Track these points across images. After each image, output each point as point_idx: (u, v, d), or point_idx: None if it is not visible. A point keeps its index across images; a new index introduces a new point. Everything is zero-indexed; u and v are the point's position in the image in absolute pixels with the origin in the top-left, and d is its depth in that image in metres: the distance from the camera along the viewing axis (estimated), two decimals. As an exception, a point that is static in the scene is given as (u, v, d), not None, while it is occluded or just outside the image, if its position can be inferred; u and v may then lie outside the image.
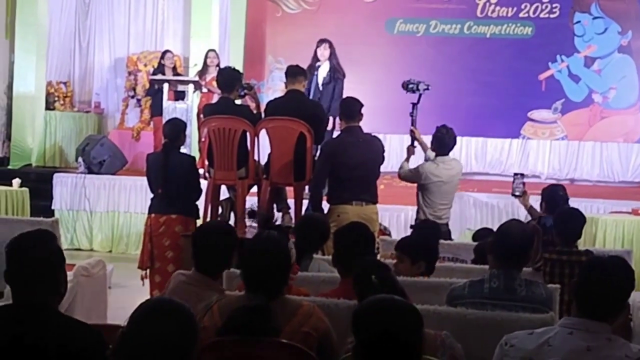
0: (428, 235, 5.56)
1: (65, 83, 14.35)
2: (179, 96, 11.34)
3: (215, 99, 10.04)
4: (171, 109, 10.98)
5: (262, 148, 7.62)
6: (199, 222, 7.53)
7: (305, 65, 9.27)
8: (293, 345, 3.38)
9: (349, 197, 7.02)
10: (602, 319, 3.04)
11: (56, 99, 14.04)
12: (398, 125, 8.43)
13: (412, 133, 8.04)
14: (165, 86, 11.28)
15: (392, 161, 8.76)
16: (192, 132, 10.27)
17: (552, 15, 13.03)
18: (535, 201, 7.04)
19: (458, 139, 8.06)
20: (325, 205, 7.21)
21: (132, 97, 14.12)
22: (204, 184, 7.63)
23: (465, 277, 4.78)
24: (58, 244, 3.26)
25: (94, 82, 14.67)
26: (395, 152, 11.44)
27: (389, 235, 7.98)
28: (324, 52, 10.27)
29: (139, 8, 14.54)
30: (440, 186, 7.64)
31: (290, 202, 7.78)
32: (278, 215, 7.82)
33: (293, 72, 7.60)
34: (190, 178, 7.35)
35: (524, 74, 12.99)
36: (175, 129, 7.48)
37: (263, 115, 7.70)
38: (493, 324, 3.92)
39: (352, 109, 7.21)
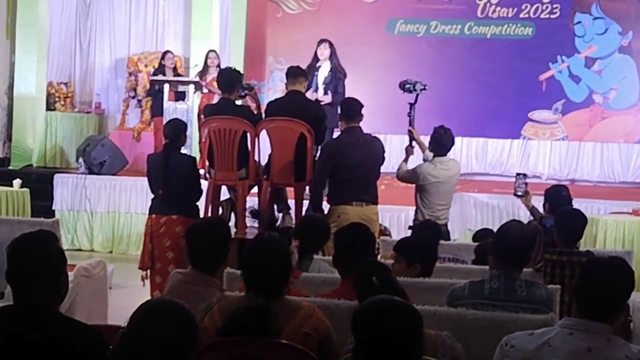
0: (427, 237, 5.54)
1: (65, 83, 14.35)
2: (180, 97, 11.33)
3: (215, 99, 10.04)
4: (172, 109, 10.98)
5: (263, 149, 7.63)
6: (200, 222, 7.54)
7: (305, 66, 9.30)
8: (293, 346, 3.39)
9: (349, 197, 7.03)
10: (602, 319, 3.04)
11: (57, 99, 14.04)
12: (398, 125, 8.43)
13: (410, 133, 8.05)
14: (166, 87, 11.28)
15: (392, 161, 8.75)
16: (193, 132, 10.27)
17: (552, 16, 13.03)
18: (536, 202, 7.02)
19: (458, 139, 8.09)
20: (326, 206, 7.21)
21: (133, 97, 14.13)
22: (204, 184, 7.63)
23: (465, 277, 4.78)
24: (59, 245, 3.26)
25: (94, 83, 14.67)
26: (395, 152, 11.43)
27: (389, 235, 7.98)
28: (324, 52, 10.27)
29: (139, 8, 14.55)
30: (438, 187, 7.64)
31: (291, 202, 7.78)
32: (278, 215, 7.82)
33: (294, 73, 7.61)
34: (191, 178, 7.35)
35: (524, 75, 12.99)
36: (176, 130, 7.48)
37: (263, 115, 7.70)
38: (493, 324, 3.92)
39: (352, 109, 7.22)
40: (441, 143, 7.75)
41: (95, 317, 6.44)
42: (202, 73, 11.73)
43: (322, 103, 9.70)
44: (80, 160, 12.00)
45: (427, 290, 4.70)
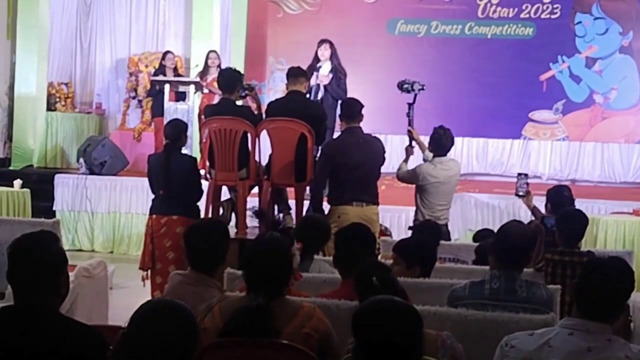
0: (427, 239, 5.51)
1: (66, 84, 14.36)
2: (180, 97, 11.33)
3: (216, 99, 10.04)
4: (172, 109, 10.98)
5: (263, 149, 7.63)
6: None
7: (306, 66, 9.30)
8: (294, 346, 3.39)
9: (349, 197, 7.03)
10: (602, 319, 3.04)
11: (57, 99, 14.05)
12: (399, 125, 8.44)
13: (409, 133, 8.05)
14: (167, 87, 11.28)
15: (393, 162, 8.75)
16: (193, 133, 10.27)
17: (553, 16, 13.03)
18: (536, 202, 7.02)
19: (459, 139, 8.08)
20: (326, 206, 7.21)
21: (133, 98, 14.13)
22: (205, 184, 7.63)
23: (465, 278, 4.78)
24: (60, 246, 3.26)
25: (95, 83, 14.68)
26: (396, 152, 11.42)
27: (390, 236, 7.98)
28: (324, 53, 10.26)
29: (140, 9, 14.55)
30: (438, 187, 7.64)
31: (291, 202, 7.78)
32: (279, 216, 7.82)
33: (294, 74, 7.61)
34: (192, 179, 7.35)
35: (525, 75, 12.99)
36: (177, 130, 7.48)
37: (264, 116, 7.70)
38: (494, 324, 3.92)
39: (352, 109, 7.22)
40: (441, 143, 7.75)
41: (96, 317, 6.45)
42: (203, 73, 11.73)
43: (323, 83, 9.77)
44: (81, 160, 12.01)
45: (428, 291, 4.69)
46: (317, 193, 7.25)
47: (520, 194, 6.90)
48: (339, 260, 4.68)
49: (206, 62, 11.82)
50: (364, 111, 7.22)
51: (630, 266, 3.21)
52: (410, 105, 8.14)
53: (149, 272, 7.34)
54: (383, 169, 7.38)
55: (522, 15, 13.10)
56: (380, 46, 13.36)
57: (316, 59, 10.31)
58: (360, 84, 11.60)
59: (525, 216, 8.08)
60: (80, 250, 11.32)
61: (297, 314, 3.53)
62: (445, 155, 7.77)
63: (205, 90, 11.45)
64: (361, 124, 7.23)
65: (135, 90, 14.04)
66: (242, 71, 8.93)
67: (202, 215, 7.52)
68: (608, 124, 12.97)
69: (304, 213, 7.40)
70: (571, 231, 5.69)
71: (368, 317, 2.76)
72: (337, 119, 8.15)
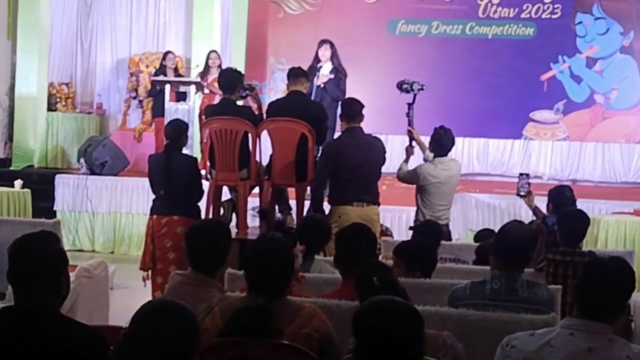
0: (428, 243, 5.48)
1: (67, 84, 14.36)
2: (181, 97, 11.34)
3: (217, 100, 10.04)
4: (173, 110, 10.98)
5: (264, 149, 7.62)
6: (201, 223, 7.54)
7: (307, 66, 9.30)
8: (294, 347, 3.39)
9: (350, 198, 7.03)
10: (603, 319, 3.04)
11: (58, 100, 14.05)
12: (399, 125, 8.44)
13: (409, 133, 8.05)
14: (167, 87, 11.28)
15: (393, 162, 8.75)
16: (194, 133, 10.27)
17: (553, 16, 13.03)
18: (537, 202, 7.01)
19: (460, 139, 8.07)
20: (327, 207, 7.21)
21: (134, 98, 14.13)
22: (205, 185, 7.62)
23: (466, 278, 4.77)
24: (61, 246, 3.26)
25: (95, 83, 14.68)
26: (396, 152, 11.41)
27: (391, 236, 7.98)
28: (325, 53, 10.27)
29: (140, 9, 14.55)
30: (439, 187, 7.64)
31: (292, 203, 7.78)
32: (279, 216, 7.82)
33: (295, 74, 7.61)
34: (192, 179, 7.35)
35: (525, 75, 12.99)
36: (177, 130, 7.48)
37: (265, 116, 7.70)
38: (494, 325, 3.92)
39: (353, 109, 7.22)
40: (441, 143, 7.75)
41: (97, 317, 6.45)
42: (203, 73, 11.73)
43: (325, 81, 9.78)
44: (82, 160, 12.01)
45: (428, 291, 4.70)
46: (318, 193, 7.24)
47: (522, 194, 6.89)
48: (339, 260, 4.68)
49: (207, 62, 11.82)
50: (364, 111, 7.22)
51: (630, 266, 3.21)
52: (409, 105, 8.14)
53: (150, 272, 7.34)
54: (384, 169, 7.37)
55: (522, 15, 13.10)
56: (380, 46, 13.36)
57: (317, 60, 10.31)
58: (361, 84, 11.60)
59: (526, 216, 8.07)
60: (81, 250, 11.33)
61: (298, 314, 3.53)
62: (446, 155, 7.77)
63: (206, 91, 11.45)
64: (362, 124, 7.23)
65: (136, 90, 14.04)
66: (242, 71, 8.93)
67: (203, 215, 7.52)
68: (609, 124, 12.97)
69: (304, 213, 7.39)
70: (572, 231, 5.69)
71: (369, 318, 2.76)
72: (338, 119, 8.15)
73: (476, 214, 10.64)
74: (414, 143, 8.06)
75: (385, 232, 7.90)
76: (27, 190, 10.54)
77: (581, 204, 7.04)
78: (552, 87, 13.03)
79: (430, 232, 6.39)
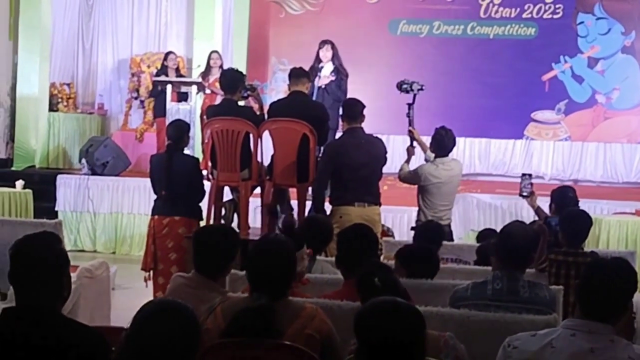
0: (430, 249, 5.44)
1: (68, 84, 14.36)
2: (182, 97, 11.34)
3: (218, 100, 10.04)
4: (174, 110, 10.98)
5: (265, 149, 7.62)
6: (202, 223, 7.54)
7: (308, 67, 9.31)
8: (296, 347, 3.38)
9: (351, 198, 7.02)
10: (605, 320, 3.04)
11: (59, 100, 14.06)
12: (401, 126, 8.43)
13: (410, 133, 8.05)
14: (169, 87, 11.28)
15: (395, 162, 8.74)
16: (196, 133, 10.28)
17: (555, 16, 13.02)
18: (539, 202, 7.00)
19: (461, 139, 8.06)
20: (328, 207, 7.21)
21: (136, 98, 14.13)
22: (207, 185, 7.63)
23: (468, 278, 4.77)
24: (62, 247, 3.26)
25: (97, 84, 14.68)
26: (398, 153, 11.41)
27: (392, 236, 7.98)
28: (326, 54, 10.27)
29: (142, 9, 14.55)
30: (440, 187, 7.63)
31: (294, 203, 7.78)
32: (281, 216, 7.81)
33: (296, 74, 7.61)
34: (194, 179, 7.35)
35: (527, 75, 12.98)
36: (179, 131, 7.48)
37: (266, 116, 7.70)
38: (496, 325, 3.92)
39: (354, 110, 7.21)
40: (442, 144, 7.75)
41: (98, 318, 6.45)
42: (205, 74, 11.73)
43: (327, 82, 9.80)
44: (83, 161, 12.01)
45: (430, 291, 4.69)
46: (319, 194, 7.24)
47: (525, 194, 6.88)
48: (341, 260, 4.67)
49: (208, 63, 11.82)
50: (365, 111, 7.22)
51: (632, 267, 3.20)
52: (409, 105, 8.14)
53: (151, 273, 7.34)
54: (385, 170, 7.37)
55: (524, 16, 13.09)
56: (382, 46, 13.36)
57: (318, 60, 10.31)
58: (362, 84, 11.61)
59: (528, 216, 8.07)
60: (83, 250, 11.33)
61: (300, 315, 3.53)
62: (447, 155, 7.76)
63: (208, 91, 11.46)
64: (363, 125, 7.23)
65: (138, 90, 14.04)
66: (244, 72, 8.92)
67: (205, 215, 7.52)
68: (610, 124, 12.97)
69: (306, 214, 7.39)
70: (575, 232, 5.68)
71: (370, 318, 2.76)
72: (339, 120, 8.15)
73: (477, 214, 10.63)
74: (415, 143, 8.06)
75: (387, 232, 7.90)
76: (29, 191, 10.55)
77: (583, 204, 7.04)
78: (553, 87, 13.02)
79: (431, 233, 6.37)
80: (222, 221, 7.71)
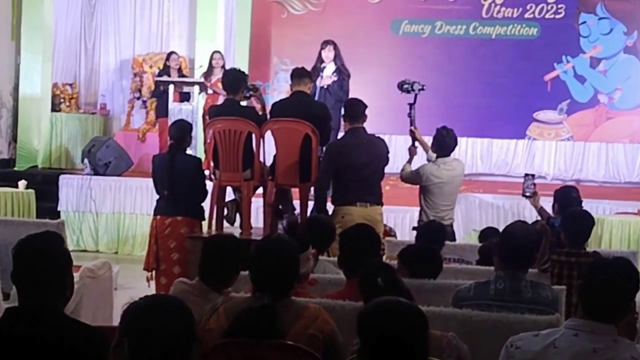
0: (432, 249, 5.43)
1: (71, 84, 14.38)
2: (185, 97, 11.35)
3: (220, 100, 10.05)
4: (176, 110, 10.99)
5: (268, 149, 7.62)
6: (205, 223, 7.55)
7: (310, 66, 9.31)
8: (299, 347, 3.38)
9: (353, 198, 7.02)
10: (607, 320, 3.04)
11: (62, 100, 14.07)
12: (403, 126, 8.43)
13: (412, 133, 8.05)
14: (171, 87, 11.29)
15: (397, 162, 8.75)
16: (198, 133, 10.28)
17: (557, 16, 13.02)
18: (542, 202, 7.00)
19: (463, 139, 8.04)
20: (330, 207, 7.21)
21: (138, 98, 14.14)
22: (209, 185, 7.63)
23: (470, 278, 4.77)
24: (65, 247, 3.26)
25: (99, 84, 14.69)
26: (400, 153, 11.41)
27: (394, 236, 7.98)
28: (328, 54, 10.28)
29: (144, 9, 14.56)
30: (442, 187, 7.63)
31: (296, 203, 7.78)
32: (284, 216, 7.81)
33: (299, 74, 7.61)
34: (196, 179, 7.36)
35: (529, 75, 12.98)
36: (181, 131, 7.48)
37: (268, 116, 7.70)
38: (499, 325, 3.92)
39: (356, 110, 7.21)
40: (444, 144, 7.74)
41: (101, 318, 6.45)
42: (207, 74, 11.73)
43: (329, 83, 9.81)
44: (86, 161, 12.02)
45: (433, 291, 4.69)
46: (321, 194, 7.24)
47: (527, 194, 6.88)
48: (343, 261, 4.68)
49: (210, 63, 11.83)
50: (367, 111, 7.22)
51: (635, 266, 3.20)
52: (411, 105, 8.14)
53: (154, 273, 7.35)
54: (387, 170, 7.37)
55: (526, 16, 13.09)
56: (384, 46, 13.36)
57: (320, 60, 10.31)
58: (364, 84, 11.61)
59: (530, 216, 8.07)
60: (85, 250, 11.34)
61: (302, 315, 3.53)
62: (448, 155, 7.76)
63: (210, 91, 11.46)
64: (365, 125, 7.23)
65: (140, 90, 14.05)
66: (246, 72, 8.92)
67: (207, 216, 7.52)
68: (612, 124, 12.97)
69: (308, 214, 7.39)
70: (577, 232, 5.68)
71: (373, 318, 2.76)
72: (342, 120, 8.15)
73: (480, 214, 10.63)
74: (416, 143, 8.06)
75: (389, 232, 7.90)
76: (31, 191, 10.57)
77: (585, 204, 7.04)
78: (555, 87, 13.02)
79: (434, 233, 6.36)
80: (225, 221, 7.72)
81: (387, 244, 6.67)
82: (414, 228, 7.75)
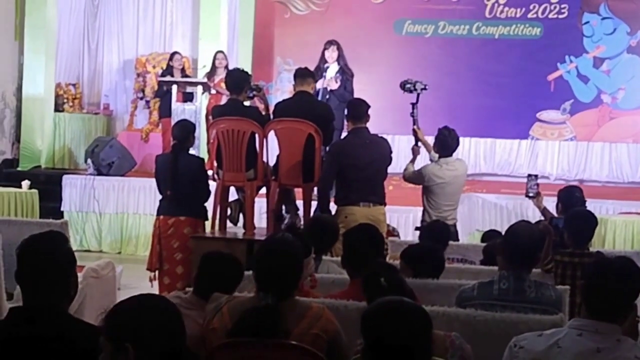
0: (435, 248, 5.43)
1: (74, 85, 14.39)
2: (188, 98, 11.35)
3: (223, 100, 10.05)
4: (180, 110, 11.00)
5: (271, 149, 7.62)
6: (208, 223, 7.55)
7: (313, 66, 9.31)
8: (302, 347, 3.38)
9: (356, 198, 7.03)
10: (611, 320, 3.03)
11: (65, 100, 14.08)
12: (406, 126, 8.43)
13: (414, 133, 8.04)
14: (174, 88, 11.30)
15: (400, 162, 8.76)
16: (201, 133, 10.28)
17: (560, 16, 13.01)
18: (545, 202, 7.00)
19: (466, 139, 8.00)
20: (333, 207, 7.21)
21: (141, 98, 14.15)
22: (212, 185, 7.63)
23: (474, 278, 4.77)
24: (69, 246, 3.26)
25: (102, 84, 14.70)
26: (403, 153, 11.38)
27: (398, 236, 7.98)
28: (332, 54, 10.28)
29: (147, 9, 14.57)
30: (444, 187, 7.62)
31: (299, 203, 7.78)
32: (286, 216, 7.81)
33: (302, 74, 7.61)
34: (199, 179, 7.36)
35: (532, 75, 12.98)
36: (184, 131, 7.48)
37: (272, 116, 7.70)
38: (502, 325, 3.91)
39: (359, 110, 7.22)
40: (446, 144, 7.73)
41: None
42: (210, 74, 11.74)
43: (331, 89, 9.82)
44: (89, 161, 12.03)
45: (436, 291, 4.69)
46: (324, 194, 7.24)
47: (531, 195, 6.87)
48: (347, 261, 4.68)
49: (213, 63, 11.83)
50: (370, 111, 7.22)
51: (638, 266, 3.20)
52: (413, 105, 8.14)
53: (157, 273, 7.35)
54: (390, 170, 7.37)
55: (529, 15, 13.09)
56: (387, 46, 13.36)
57: (323, 61, 10.31)
58: (367, 84, 11.61)
59: (533, 216, 8.06)
60: (88, 250, 11.35)
61: (306, 315, 3.53)
62: (450, 155, 7.75)
63: (213, 91, 11.47)
64: (368, 125, 7.23)
65: (143, 91, 14.07)
66: (249, 72, 8.93)
67: (210, 216, 7.53)
68: (616, 124, 12.95)
69: (312, 214, 7.39)
70: (580, 232, 5.67)
71: (377, 318, 2.76)
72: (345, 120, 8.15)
73: (483, 214, 10.62)
74: (419, 143, 8.06)
75: (392, 232, 7.89)
76: (35, 191, 10.57)
77: (588, 204, 7.04)
78: (559, 87, 13.01)
79: (438, 233, 6.36)
80: (228, 221, 7.72)
81: (390, 244, 6.66)
82: (416, 228, 7.75)
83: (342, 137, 8.62)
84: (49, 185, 11.63)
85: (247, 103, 8.02)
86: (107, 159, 11.91)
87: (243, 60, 13.39)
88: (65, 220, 8.72)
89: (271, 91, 13.30)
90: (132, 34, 14.57)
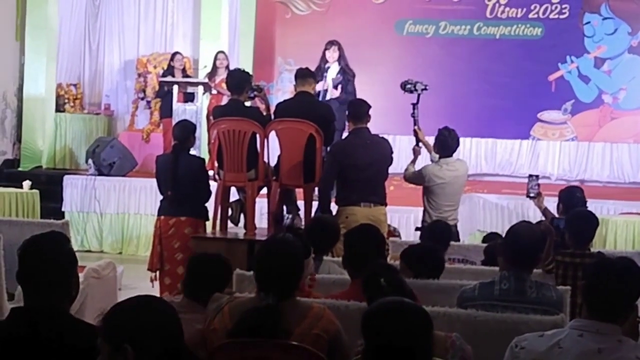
0: (435, 248, 5.42)
1: (75, 85, 14.39)
2: (189, 98, 11.35)
3: (224, 100, 10.05)
4: (181, 110, 11.00)
5: (272, 150, 7.63)
6: (209, 224, 7.55)
7: (314, 67, 9.31)
8: (303, 347, 3.38)
9: (357, 198, 7.03)
10: (612, 320, 3.03)
11: (66, 101, 14.08)
12: (407, 126, 8.43)
13: (415, 133, 8.04)
14: (175, 88, 11.30)
15: (401, 162, 8.74)
16: (202, 133, 10.28)
17: (561, 16, 13.01)
18: (546, 202, 6.99)
19: (468, 140, 7.98)
20: (334, 207, 7.21)
21: (142, 98, 14.15)
22: (213, 185, 7.63)
23: (475, 278, 4.77)
24: (70, 247, 3.27)
25: (103, 84, 14.70)
26: (404, 153, 11.38)
27: (399, 236, 7.97)
28: (333, 55, 10.28)
29: (148, 10, 14.57)
30: (444, 188, 7.61)
31: (300, 203, 7.78)
32: (288, 216, 7.82)
33: (302, 74, 7.61)
34: (200, 180, 7.36)
35: (533, 75, 12.97)
36: (185, 131, 7.49)
37: (273, 116, 7.70)
38: (503, 326, 3.91)
39: (360, 110, 7.22)
40: (446, 144, 7.73)
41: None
42: (211, 74, 11.74)
43: (331, 97, 9.81)
44: (90, 161, 12.04)
45: (437, 292, 4.69)
46: (325, 194, 7.24)
47: (532, 195, 6.86)
48: (348, 261, 4.68)
49: (214, 63, 11.84)
50: (371, 112, 7.22)
51: (639, 266, 3.20)
52: (414, 105, 8.14)
53: (158, 273, 7.35)
54: (391, 170, 7.37)
55: (530, 16, 13.08)
56: (388, 46, 13.36)
57: (324, 61, 10.31)
58: (368, 85, 11.60)
59: (534, 217, 8.05)
60: (89, 251, 11.35)
61: (307, 315, 3.53)
62: (451, 155, 7.74)
63: (214, 91, 11.47)
64: (369, 125, 7.23)
65: (144, 91, 14.06)
66: (250, 72, 8.93)
67: (211, 216, 7.53)
68: (617, 124, 12.95)
69: (313, 214, 7.39)
70: (581, 232, 5.67)
71: (377, 319, 2.76)
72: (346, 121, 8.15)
73: (484, 215, 10.62)
74: (420, 144, 8.05)
75: (393, 232, 7.89)
76: (36, 191, 10.58)
77: (589, 205, 7.04)
78: (560, 87, 13.01)
79: (439, 233, 6.36)
80: (229, 221, 7.73)
81: (391, 244, 6.66)
82: (417, 228, 7.74)
83: (343, 137, 8.63)
84: (50, 185, 11.63)
85: (248, 103, 8.02)
86: (108, 159, 11.91)
87: (244, 61, 13.39)
88: (66, 220, 8.72)
89: (272, 91, 13.30)
90: (133, 34, 14.57)
